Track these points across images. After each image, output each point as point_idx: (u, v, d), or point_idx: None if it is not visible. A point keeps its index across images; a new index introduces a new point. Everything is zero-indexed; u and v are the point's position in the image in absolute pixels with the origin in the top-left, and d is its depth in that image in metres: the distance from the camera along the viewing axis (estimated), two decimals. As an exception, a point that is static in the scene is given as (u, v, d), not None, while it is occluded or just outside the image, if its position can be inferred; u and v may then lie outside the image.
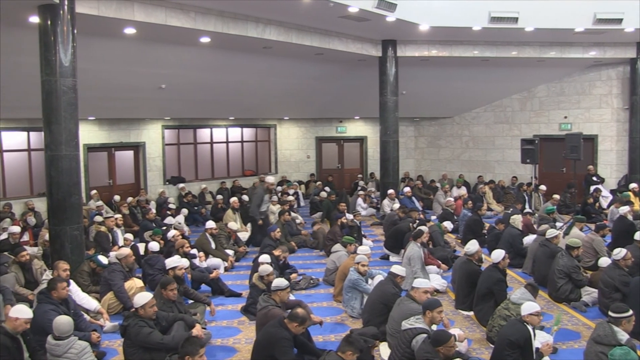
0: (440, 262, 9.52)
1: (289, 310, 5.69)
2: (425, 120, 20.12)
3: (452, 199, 13.64)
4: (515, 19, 11.87)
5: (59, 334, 5.36)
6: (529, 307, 5.55)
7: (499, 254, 7.29)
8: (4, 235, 10.69)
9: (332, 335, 6.97)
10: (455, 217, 12.90)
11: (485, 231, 11.49)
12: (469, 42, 13.86)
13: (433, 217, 14.13)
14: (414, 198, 14.97)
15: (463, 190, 15.65)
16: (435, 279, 8.63)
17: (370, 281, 7.85)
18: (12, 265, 8.27)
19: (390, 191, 13.94)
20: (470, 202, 13.17)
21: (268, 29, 11.01)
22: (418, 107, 18.03)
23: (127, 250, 8.27)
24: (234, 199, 13.64)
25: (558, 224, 11.63)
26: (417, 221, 10.95)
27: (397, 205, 12.33)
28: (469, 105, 18.48)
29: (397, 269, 6.92)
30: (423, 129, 20.39)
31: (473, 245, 7.82)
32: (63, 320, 5.41)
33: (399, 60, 13.81)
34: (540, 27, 12.31)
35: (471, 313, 7.49)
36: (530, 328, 5.44)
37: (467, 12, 11.84)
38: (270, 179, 11.90)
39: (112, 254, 8.41)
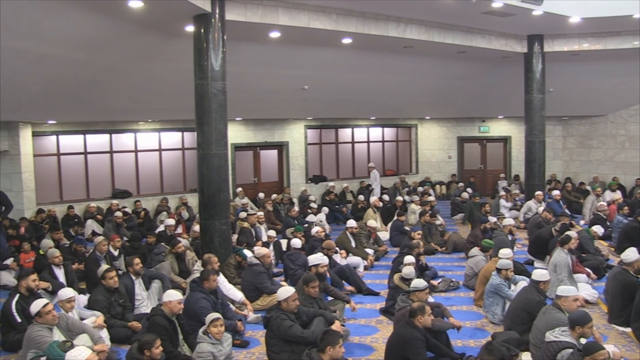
0: (590, 270, 8.85)
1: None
2: (574, 119, 18.88)
3: (604, 203, 12.64)
4: (688, 0, 10.60)
5: None
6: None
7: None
8: (162, 227, 11.67)
9: (471, 341, 6.77)
10: (608, 223, 11.94)
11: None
12: (627, 32, 12.66)
13: (582, 222, 13.25)
14: (560, 202, 14.12)
15: (617, 194, 14.44)
16: (585, 289, 8.05)
17: (513, 287, 7.52)
18: (169, 255, 9.03)
19: (538, 193, 13.27)
20: (626, 207, 12.07)
21: (409, 29, 10.95)
22: (566, 105, 16.96)
23: (265, 250, 8.41)
24: (374, 198, 13.74)
25: None
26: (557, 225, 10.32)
27: (541, 209, 11.70)
28: (626, 102, 16.98)
29: (538, 274, 6.56)
30: (572, 128, 19.14)
31: (633, 253, 7.18)
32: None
33: (546, 56, 13.10)
34: None
35: (628, 329, 6.88)
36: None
37: (624, -1, 10.87)
38: None
39: (250, 254, 8.61)
